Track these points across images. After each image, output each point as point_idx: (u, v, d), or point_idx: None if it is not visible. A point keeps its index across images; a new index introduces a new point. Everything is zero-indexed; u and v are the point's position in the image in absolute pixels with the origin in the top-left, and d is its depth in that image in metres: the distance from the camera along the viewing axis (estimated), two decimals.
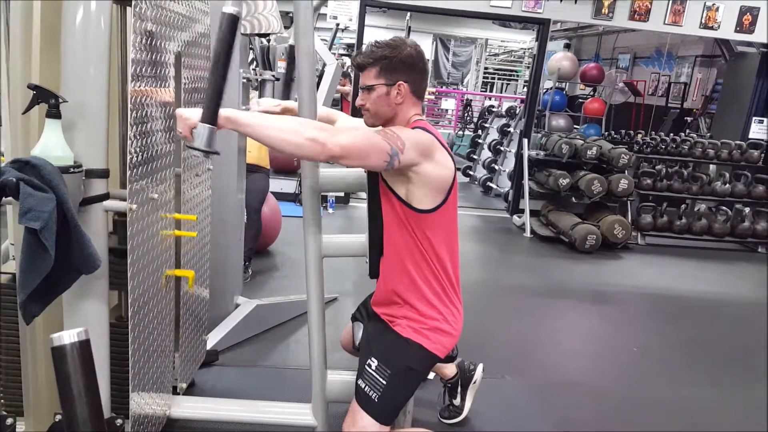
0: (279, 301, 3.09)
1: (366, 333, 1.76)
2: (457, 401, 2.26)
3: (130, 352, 1.50)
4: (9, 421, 1.57)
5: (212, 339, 2.57)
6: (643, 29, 5.66)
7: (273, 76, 2.76)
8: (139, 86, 1.43)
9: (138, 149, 1.45)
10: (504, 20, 6.38)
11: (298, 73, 1.66)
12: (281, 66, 2.86)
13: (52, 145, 1.30)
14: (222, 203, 2.62)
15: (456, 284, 1.66)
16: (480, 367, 2.27)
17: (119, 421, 1.56)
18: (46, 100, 1.28)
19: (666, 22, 5.54)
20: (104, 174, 1.43)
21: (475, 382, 2.25)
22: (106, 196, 1.44)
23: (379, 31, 12.49)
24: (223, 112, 1.31)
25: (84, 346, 0.69)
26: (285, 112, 1.90)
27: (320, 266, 1.85)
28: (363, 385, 1.59)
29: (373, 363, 1.59)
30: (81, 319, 1.47)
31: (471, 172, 8.20)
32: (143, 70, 1.45)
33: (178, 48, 1.70)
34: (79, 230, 1.28)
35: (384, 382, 1.56)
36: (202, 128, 1.25)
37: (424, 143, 1.48)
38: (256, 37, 2.74)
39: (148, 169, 1.53)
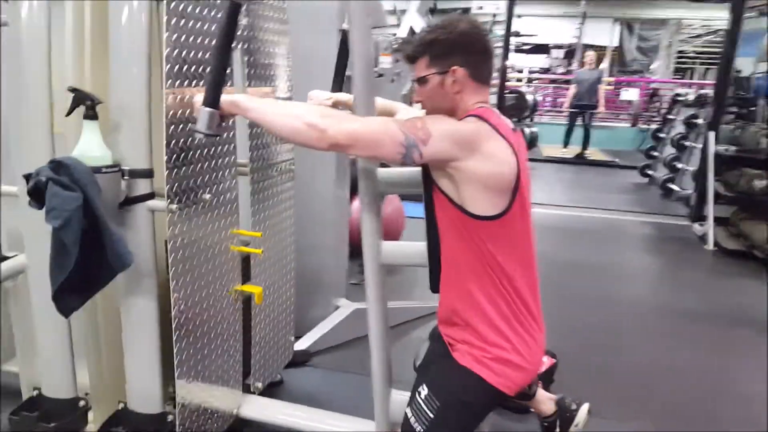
0: None
1: (428, 354, 1.55)
2: None
3: (175, 350, 1.50)
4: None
5: (308, 340, 2.55)
6: None
7: (375, 71, 2.65)
8: (177, 84, 1.42)
9: (179, 149, 1.44)
10: None
11: (353, 64, 1.52)
12: (385, 61, 2.71)
13: (90, 146, 1.35)
14: (319, 201, 2.58)
15: (533, 308, 1.36)
16: (584, 408, 1.87)
17: (170, 417, 1.59)
18: (84, 102, 1.33)
19: None
20: (147, 174, 1.45)
21: (577, 425, 1.86)
22: (150, 196, 1.46)
23: (550, 20, 11.71)
24: (230, 97, 1.31)
25: None
26: (336, 105, 1.76)
27: (380, 274, 1.68)
28: (410, 415, 1.39)
29: (423, 391, 1.38)
30: (133, 313, 1.53)
31: (650, 172, 7.17)
32: (182, 69, 1.43)
33: None
34: (108, 229, 1.31)
35: (431, 416, 1.34)
36: (203, 111, 1.30)
37: (466, 133, 1.22)
38: None
39: (197, 168, 1.52)
